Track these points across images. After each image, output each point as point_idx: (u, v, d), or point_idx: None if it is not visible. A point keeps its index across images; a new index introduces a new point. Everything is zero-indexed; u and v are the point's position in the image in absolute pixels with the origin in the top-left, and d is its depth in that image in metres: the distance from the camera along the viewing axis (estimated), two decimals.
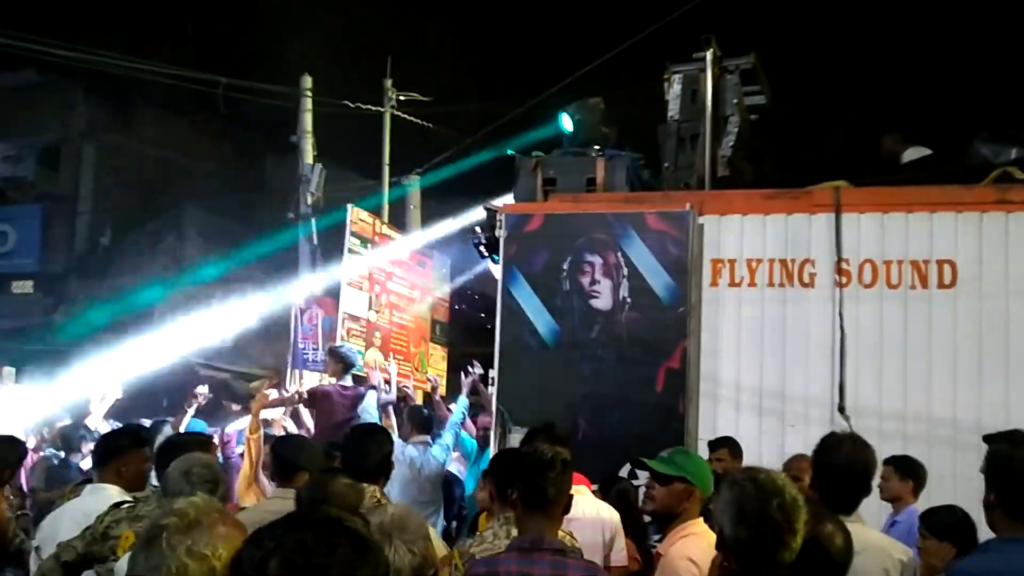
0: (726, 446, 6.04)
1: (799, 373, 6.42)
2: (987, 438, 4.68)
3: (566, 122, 7.41)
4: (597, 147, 7.19)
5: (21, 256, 17.93)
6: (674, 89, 7.50)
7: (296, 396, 8.19)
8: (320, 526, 1.69)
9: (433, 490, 7.02)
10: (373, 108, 15.24)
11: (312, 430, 7.80)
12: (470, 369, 7.98)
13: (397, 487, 6.43)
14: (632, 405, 6.48)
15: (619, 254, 6.62)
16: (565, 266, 6.72)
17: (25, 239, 18.00)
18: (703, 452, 6.35)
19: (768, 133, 7.99)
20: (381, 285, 12.01)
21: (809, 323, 6.42)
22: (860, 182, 6.61)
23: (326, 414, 7.62)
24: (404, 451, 6.74)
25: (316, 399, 7.80)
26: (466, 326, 14.66)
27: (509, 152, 7.14)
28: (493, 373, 6.88)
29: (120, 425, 8.44)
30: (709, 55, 7.34)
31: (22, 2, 18.29)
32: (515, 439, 6.34)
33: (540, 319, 6.74)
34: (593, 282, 6.65)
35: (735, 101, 7.44)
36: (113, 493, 4.20)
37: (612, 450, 6.08)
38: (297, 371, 12.48)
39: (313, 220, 14.17)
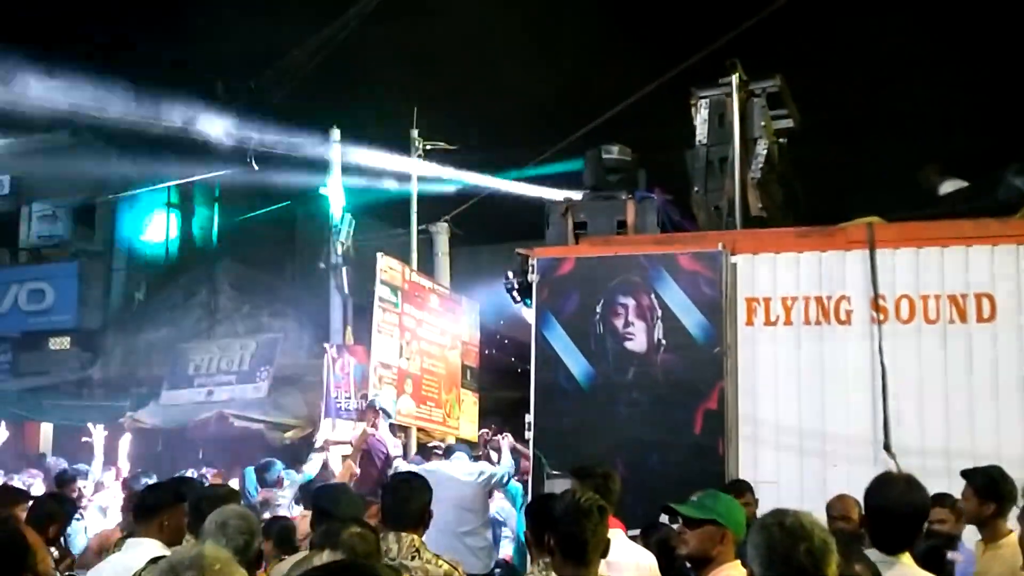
0: (750, 490, 5.91)
1: (839, 411, 6.35)
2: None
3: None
4: (627, 190, 7.24)
5: (58, 313, 18.16)
6: (701, 114, 7.56)
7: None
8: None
9: (474, 499, 7.00)
10: (400, 157, 15.43)
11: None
12: (501, 436, 7.99)
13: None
14: (670, 447, 6.42)
15: (652, 295, 6.61)
16: (598, 309, 6.72)
17: (62, 296, 18.25)
18: None
19: (799, 161, 8.00)
20: (411, 332, 12.05)
21: (847, 360, 6.37)
22: (893, 217, 6.60)
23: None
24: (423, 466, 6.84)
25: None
26: (497, 371, 14.64)
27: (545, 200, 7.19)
28: (529, 418, 6.85)
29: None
30: (735, 79, 7.39)
31: (56, 65, 18.83)
32: (552, 484, 6.29)
33: (575, 362, 6.72)
34: (627, 324, 6.64)
35: (762, 124, 7.48)
36: (152, 548, 4.21)
37: (651, 493, 5.99)
38: (330, 419, 12.49)
39: (344, 269, 14.32)
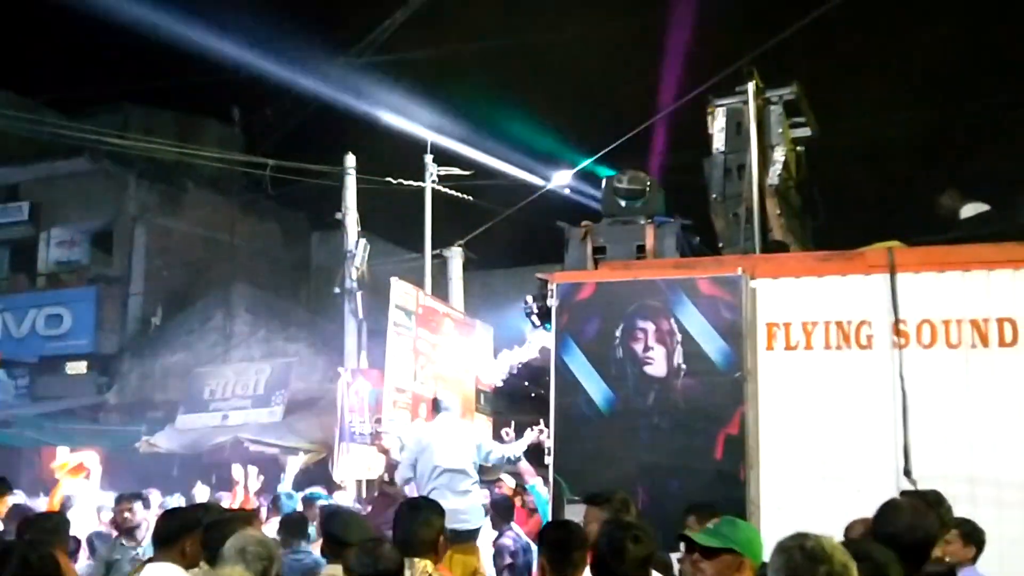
0: (694, 513, 5.89)
1: (861, 437, 6.29)
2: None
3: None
4: (646, 214, 7.25)
5: (75, 338, 18.31)
6: (718, 122, 7.59)
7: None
8: None
9: (464, 461, 7.52)
10: (415, 183, 15.56)
11: None
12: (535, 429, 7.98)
13: None
14: (691, 473, 6.37)
15: (672, 320, 6.59)
16: (618, 333, 6.69)
17: (79, 321, 18.41)
18: (765, 520, 6.24)
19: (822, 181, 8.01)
20: (426, 356, 12.07)
21: (869, 385, 6.32)
22: (913, 241, 6.58)
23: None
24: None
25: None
26: (511, 395, 14.63)
27: (559, 224, 7.23)
28: (548, 443, 6.84)
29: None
30: (751, 86, 7.42)
31: (74, 93, 19.11)
32: (572, 510, 6.26)
33: (595, 387, 6.69)
34: (647, 349, 6.61)
35: (780, 131, 7.49)
36: (173, 573, 4.23)
37: (672, 520, 5.96)
38: (344, 444, 12.50)
39: (358, 294, 14.38)
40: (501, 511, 7.75)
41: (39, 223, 19.65)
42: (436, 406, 7.96)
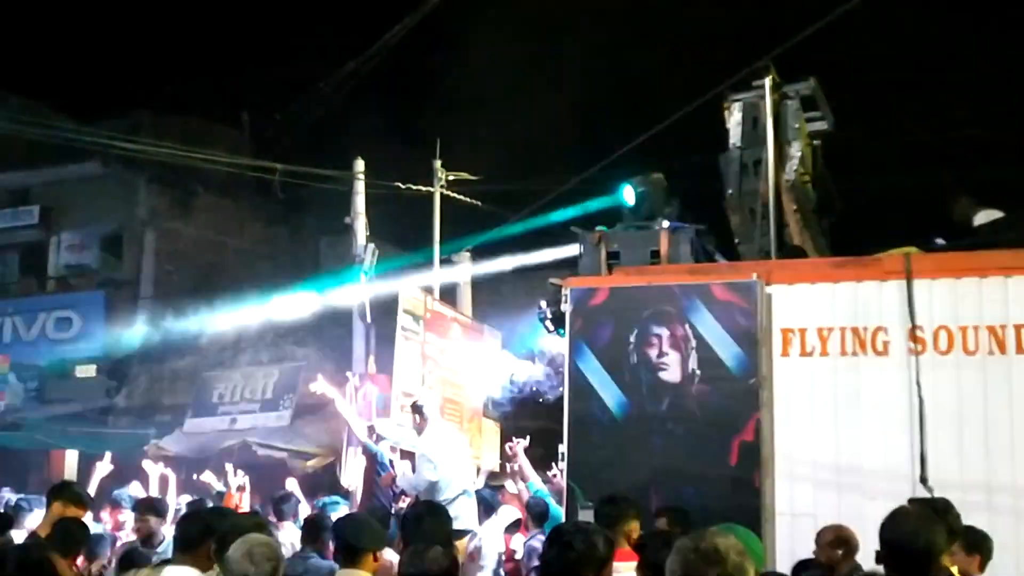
0: (666, 514, 5.86)
1: (876, 444, 6.28)
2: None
3: (628, 195, 7.49)
4: (661, 220, 7.24)
5: (85, 341, 18.36)
6: (734, 117, 7.57)
7: None
8: None
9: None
10: (423, 188, 15.55)
11: None
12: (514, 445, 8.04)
13: None
14: (705, 479, 6.36)
15: (686, 326, 6.58)
16: (632, 339, 6.68)
17: (89, 325, 18.46)
18: (780, 527, 6.21)
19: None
20: (434, 361, 12.05)
21: (885, 392, 6.30)
22: (929, 248, 6.56)
23: None
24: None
25: None
26: (519, 400, 14.59)
27: (572, 229, 7.22)
28: (563, 448, 6.83)
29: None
30: (768, 81, 7.40)
31: (85, 97, 19.18)
32: (586, 515, 6.24)
33: (608, 393, 6.68)
34: (661, 354, 6.60)
35: (796, 126, 7.47)
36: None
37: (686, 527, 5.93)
38: (352, 448, 12.47)
39: (367, 298, 14.35)
40: (535, 515, 7.70)
41: (49, 227, 19.70)
42: (420, 412, 7.92)
